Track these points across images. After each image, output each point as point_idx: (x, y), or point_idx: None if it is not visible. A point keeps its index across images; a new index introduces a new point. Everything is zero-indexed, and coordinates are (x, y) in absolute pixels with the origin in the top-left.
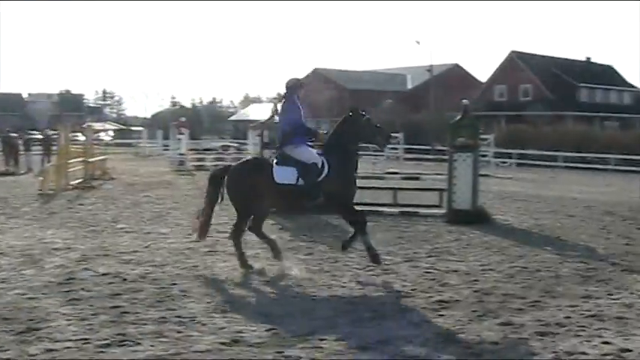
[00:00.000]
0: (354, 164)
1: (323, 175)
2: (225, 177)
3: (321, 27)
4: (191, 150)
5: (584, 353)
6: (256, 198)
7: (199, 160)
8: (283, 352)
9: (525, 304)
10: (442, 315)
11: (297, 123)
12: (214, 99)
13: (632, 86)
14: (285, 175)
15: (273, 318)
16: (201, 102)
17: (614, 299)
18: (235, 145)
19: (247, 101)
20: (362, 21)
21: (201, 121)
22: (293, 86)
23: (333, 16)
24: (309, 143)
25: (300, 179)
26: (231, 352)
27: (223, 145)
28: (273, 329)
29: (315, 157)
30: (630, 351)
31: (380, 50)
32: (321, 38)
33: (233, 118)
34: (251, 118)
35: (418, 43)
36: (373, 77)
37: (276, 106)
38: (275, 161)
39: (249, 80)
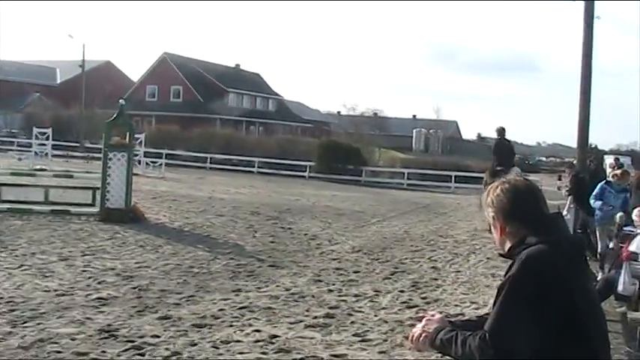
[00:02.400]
0: None
1: None
2: None
3: None
4: None
5: (238, 341)
6: None
7: None
8: None
9: (182, 299)
10: (102, 312)
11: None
12: None
13: (277, 94)
14: None
15: None
16: None
17: (262, 292)
18: None
19: None
20: (6, 8)
21: None
22: (503, 130)
23: None
24: None
25: None
26: None
27: None
28: None
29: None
30: (279, 336)
31: (28, 41)
32: None
33: None
34: None
35: (71, 36)
36: (19, 69)
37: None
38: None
39: None
